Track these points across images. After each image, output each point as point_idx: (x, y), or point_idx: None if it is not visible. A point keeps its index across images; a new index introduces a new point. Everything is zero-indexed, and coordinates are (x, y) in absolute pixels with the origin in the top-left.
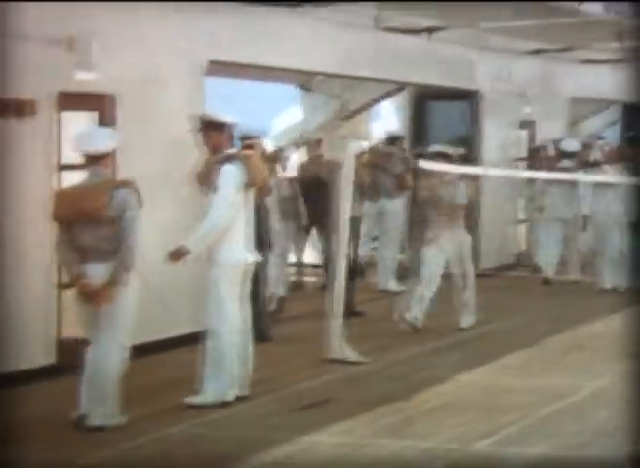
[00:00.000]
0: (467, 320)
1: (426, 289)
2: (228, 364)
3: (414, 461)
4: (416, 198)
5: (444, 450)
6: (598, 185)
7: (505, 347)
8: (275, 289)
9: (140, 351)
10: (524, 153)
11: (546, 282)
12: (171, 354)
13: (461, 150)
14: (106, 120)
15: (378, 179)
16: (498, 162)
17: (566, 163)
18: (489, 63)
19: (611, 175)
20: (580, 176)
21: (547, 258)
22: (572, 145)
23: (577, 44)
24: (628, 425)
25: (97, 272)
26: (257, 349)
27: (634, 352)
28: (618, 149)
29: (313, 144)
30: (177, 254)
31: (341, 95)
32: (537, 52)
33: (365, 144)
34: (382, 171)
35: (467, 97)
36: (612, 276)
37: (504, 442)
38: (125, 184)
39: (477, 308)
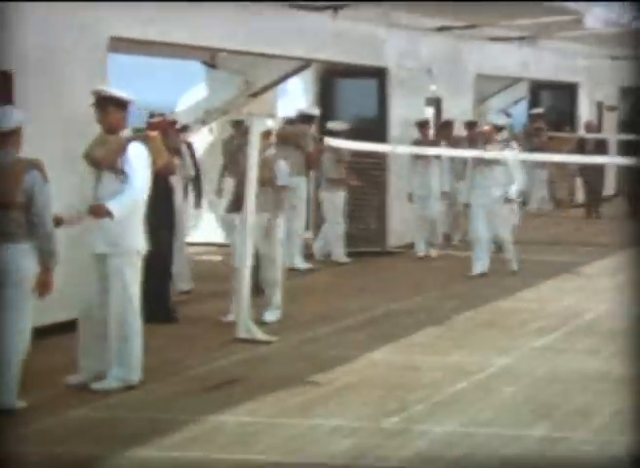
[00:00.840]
0: None
1: None
2: (135, 349)
3: (321, 440)
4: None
5: (352, 429)
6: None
7: (414, 325)
8: (181, 269)
9: (39, 333)
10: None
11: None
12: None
13: (344, 125)
14: (3, 98)
15: (289, 157)
16: (405, 139)
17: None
18: (396, 41)
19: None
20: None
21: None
22: (501, 119)
23: (483, 22)
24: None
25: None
26: (163, 330)
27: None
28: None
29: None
30: (98, 211)
31: (246, 72)
32: (443, 29)
33: (271, 123)
34: (294, 148)
35: (375, 74)
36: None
37: (412, 419)
38: (35, 165)
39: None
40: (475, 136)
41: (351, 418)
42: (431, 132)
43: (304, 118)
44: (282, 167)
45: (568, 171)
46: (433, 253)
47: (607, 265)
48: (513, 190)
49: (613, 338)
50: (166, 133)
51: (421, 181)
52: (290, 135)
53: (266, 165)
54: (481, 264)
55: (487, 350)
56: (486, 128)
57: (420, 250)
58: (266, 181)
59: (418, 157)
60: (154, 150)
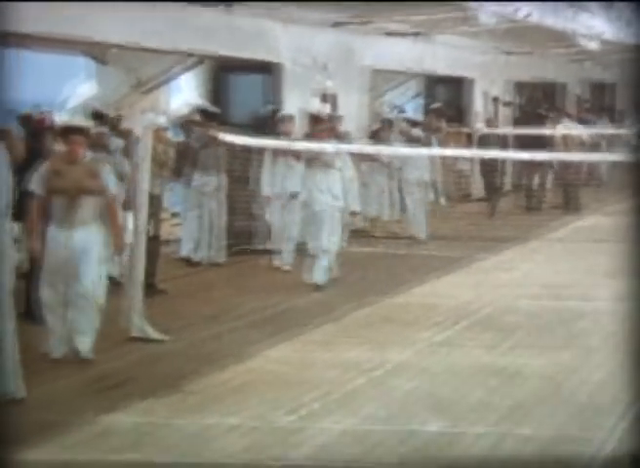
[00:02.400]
0: None
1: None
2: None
3: (217, 439)
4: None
5: (248, 428)
6: None
7: (313, 322)
8: None
9: None
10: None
11: None
12: None
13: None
14: None
15: (202, 155)
16: (302, 135)
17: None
18: (290, 36)
19: None
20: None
21: None
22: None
23: (377, 17)
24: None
25: None
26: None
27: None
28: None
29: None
30: None
31: (137, 68)
32: (338, 25)
33: (162, 119)
34: (206, 146)
35: (269, 69)
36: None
37: (309, 417)
38: None
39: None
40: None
41: (247, 417)
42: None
43: (208, 115)
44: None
45: (457, 166)
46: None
47: (504, 260)
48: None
49: (510, 333)
50: (38, 130)
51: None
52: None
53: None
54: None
55: (384, 346)
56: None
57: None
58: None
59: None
60: (9, 146)
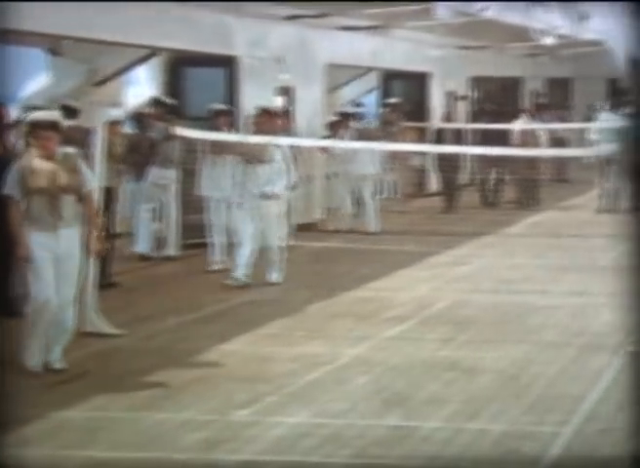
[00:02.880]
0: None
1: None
2: None
3: (170, 433)
4: None
5: (202, 422)
6: None
7: (266, 316)
8: None
9: None
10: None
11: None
12: None
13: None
14: None
15: (161, 148)
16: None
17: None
18: (246, 29)
19: None
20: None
21: None
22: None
23: (333, 10)
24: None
25: None
26: (5, 324)
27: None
28: None
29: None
30: None
31: (92, 60)
32: (293, 18)
33: (118, 112)
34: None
35: (225, 63)
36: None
37: (264, 411)
38: None
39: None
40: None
41: (202, 411)
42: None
43: (167, 107)
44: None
45: (412, 161)
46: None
47: (459, 254)
48: (279, 186)
49: (464, 327)
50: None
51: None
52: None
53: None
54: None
55: (340, 340)
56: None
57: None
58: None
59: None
60: None
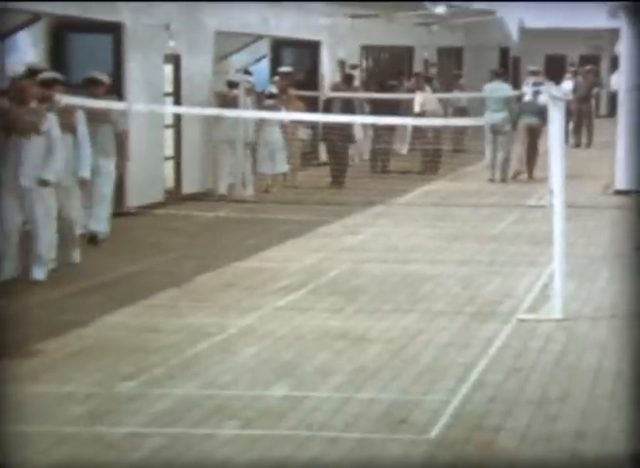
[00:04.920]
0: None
1: None
2: None
3: (52, 406)
4: None
5: (86, 395)
6: None
7: (153, 287)
8: None
9: None
10: (170, 88)
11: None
12: None
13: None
14: None
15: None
16: (144, 97)
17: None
18: None
19: None
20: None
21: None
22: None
23: None
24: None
25: None
26: None
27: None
28: None
29: None
30: None
31: None
32: None
33: None
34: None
35: (110, 29)
36: None
37: (150, 383)
38: None
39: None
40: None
41: (85, 384)
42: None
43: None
44: None
45: (300, 133)
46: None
47: (349, 224)
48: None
49: (355, 297)
50: None
51: None
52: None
53: None
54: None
55: (228, 311)
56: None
57: None
58: None
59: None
60: None
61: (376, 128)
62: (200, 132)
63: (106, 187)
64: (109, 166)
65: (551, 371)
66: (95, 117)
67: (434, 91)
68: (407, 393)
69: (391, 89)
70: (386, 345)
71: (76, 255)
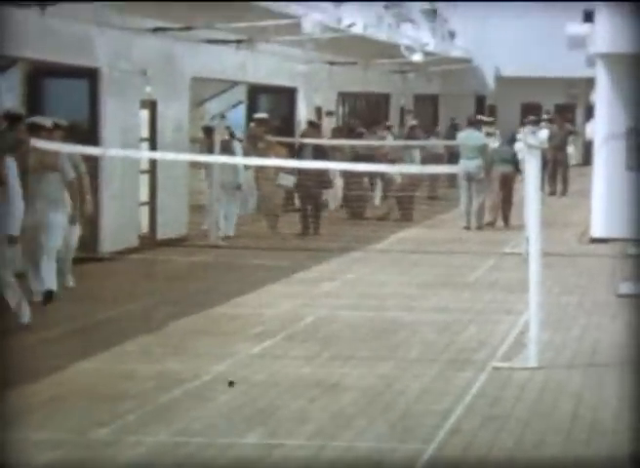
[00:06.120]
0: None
1: None
2: None
3: (25, 453)
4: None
5: (58, 441)
6: None
7: (127, 333)
8: None
9: None
10: (146, 133)
11: None
12: None
13: (62, 121)
14: None
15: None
16: (119, 142)
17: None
18: (108, 41)
19: None
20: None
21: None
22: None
23: (198, 23)
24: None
25: None
26: None
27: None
28: None
29: None
30: None
31: None
32: (158, 30)
33: None
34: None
35: (86, 75)
36: None
37: (123, 430)
38: None
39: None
40: None
41: (58, 430)
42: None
43: (11, 118)
44: None
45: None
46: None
47: (325, 270)
48: None
49: (330, 344)
50: None
51: None
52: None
53: None
54: None
55: (203, 357)
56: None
57: None
58: None
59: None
60: None
61: (347, 175)
62: (178, 177)
63: (52, 241)
64: (56, 218)
65: (526, 420)
66: (40, 165)
67: (395, 138)
68: (382, 441)
69: (360, 136)
70: (362, 393)
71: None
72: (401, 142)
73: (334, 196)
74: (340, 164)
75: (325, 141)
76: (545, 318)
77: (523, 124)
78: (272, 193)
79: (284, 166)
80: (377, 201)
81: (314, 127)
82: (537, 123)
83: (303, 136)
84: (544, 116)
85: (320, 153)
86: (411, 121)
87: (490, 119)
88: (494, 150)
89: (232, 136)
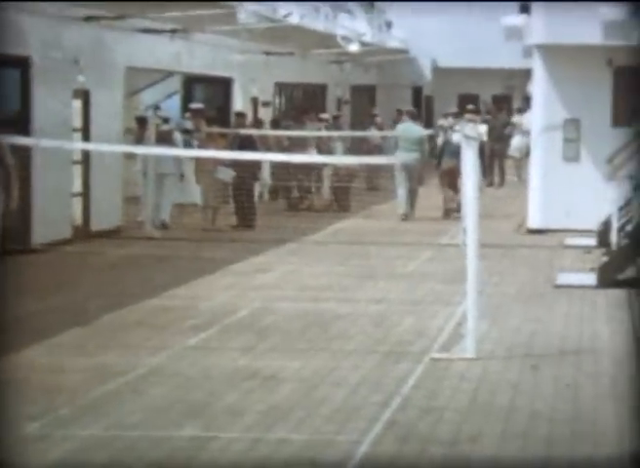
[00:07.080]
0: None
1: None
2: None
3: None
4: None
5: None
6: None
7: (60, 325)
8: None
9: None
10: (79, 123)
11: None
12: None
13: None
14: None
15: None
16: (52, 132)
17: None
18: (39, 30)
19: None
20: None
21: None
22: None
23: (131, 12)
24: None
25: None
26: None
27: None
28: None
29: None
30: None
31: None
32: (90, 19)
33: None
34: None
35: (17, 64)
36: None
37: (56, 424)
38: None
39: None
40: None
41: None
42: None
43: None
44: None
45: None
46: None
47: (261, 262)
48: None
49: (266, 335)
50: None
51: None
52: None
53: None
54: None
55: (136, 350)
56: None
57: None
58: None
59: None
60: None
61: (279, 166)
62: (112, 168)
63: None
64: None
65: (464, 411)
66: None
67: (327, 129)
68: (318, 433)
69: (287, 128)
70: (298, 385)
71: None
72: (334, 133)
73: (265, 188)
74: (274, 155)
75: (254, 131)
76: (483, 309)
77: (445, 116)
78: (210, 186)
79: (222, 158)
80: (325, 192)
81: (241, 117)
82: (459, 115)
83: (232, 127)
84: (482, 107)
85: (248, 144)
86: (338, 111)
87: (472, 107)
88: (445, 144)
89: (177, 128)
